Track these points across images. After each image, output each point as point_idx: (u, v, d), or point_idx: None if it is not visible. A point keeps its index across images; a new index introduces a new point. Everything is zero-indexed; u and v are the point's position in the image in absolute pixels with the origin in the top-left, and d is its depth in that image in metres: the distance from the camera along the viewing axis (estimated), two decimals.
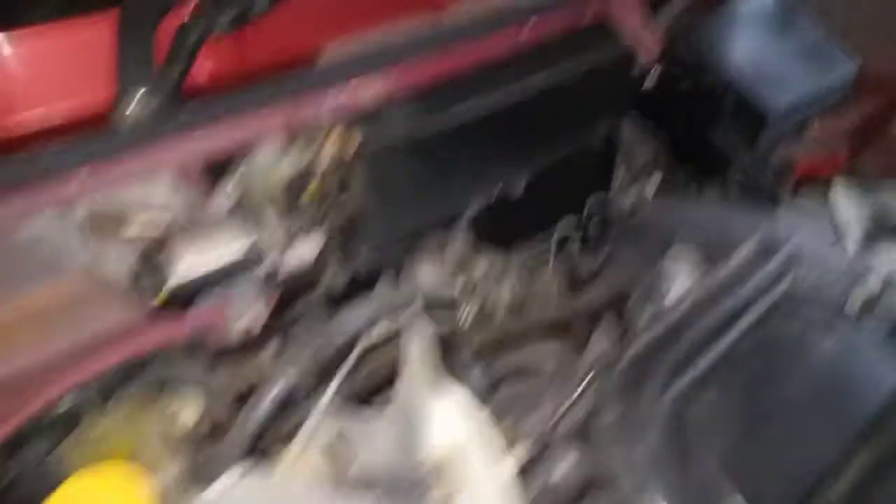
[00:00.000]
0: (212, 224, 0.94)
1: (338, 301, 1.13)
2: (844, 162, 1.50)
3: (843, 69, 1.41)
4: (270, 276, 1.00)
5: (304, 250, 1.03)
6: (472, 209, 1.33)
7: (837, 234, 1.37)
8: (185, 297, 0.91)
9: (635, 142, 1.50)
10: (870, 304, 1.00)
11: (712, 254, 1.05)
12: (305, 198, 0.98)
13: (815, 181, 1.49)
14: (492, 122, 1.24)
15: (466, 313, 1.32)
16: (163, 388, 0.95)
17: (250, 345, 1.03)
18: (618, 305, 1.02)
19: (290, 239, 1.00)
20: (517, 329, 1.07)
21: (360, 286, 1.18)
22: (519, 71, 1.25)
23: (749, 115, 1.29)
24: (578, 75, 1.32)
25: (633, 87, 1.38)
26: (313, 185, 0.98)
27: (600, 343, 0.91)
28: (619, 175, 1.58)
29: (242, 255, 0.94)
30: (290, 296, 1.10)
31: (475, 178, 1.31)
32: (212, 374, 0.99)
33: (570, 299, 1.16)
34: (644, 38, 1.32)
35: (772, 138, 1.36)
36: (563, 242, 1.54)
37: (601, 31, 1.31)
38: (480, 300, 1.39)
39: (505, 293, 1.35)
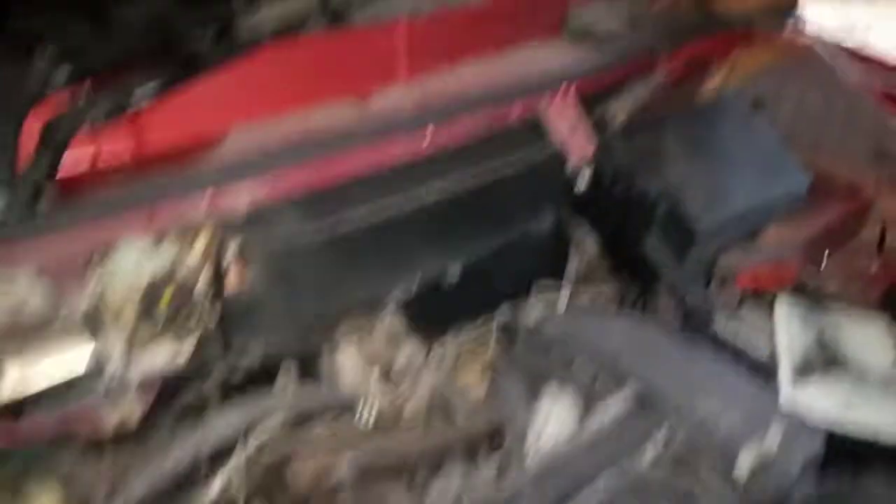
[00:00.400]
0: (62, 327, 0.90)
1: (234, 394, 1.11)
2: (794, 275, 1.40)
3: (793, 183, 1.33)
4: (127, 379, 0.96)
5: (173, 350, 0.98)
6: (398, 296, 1.29)
7: (770, 363, 1.28)
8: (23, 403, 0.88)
9: (586, 234, 1.44)
10: (761, 469, 0.92)
11: (600, 389, 0.98)
12: (167, 299, 0.94)
13: (762, 294, 1.40)
14: (410, 218, 1.20)
15: (367, 414, 1.28)
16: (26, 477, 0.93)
17: (124, 441, 1.00)
18: (491, 440, 0.96)
19: (151, 339, 0.96)
20: (388, 456, 1.00)
21: (260, 378, 1.15)
22: (442, 167, 1.21)
23: (678, 229, 1.22)
24: (505, 172, 1.27)
25: (565, 186, 1.32)
26: (176, 286, 0.94)
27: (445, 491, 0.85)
28: (572, 265, 1.53)
29: (92, 359, 0.91)
30: (172, 391, 1.07)
31: (396, 269, 1.27)
32: (77, 468, 0.96)
33: (443, 426, 1.09)
34: (576, 138, 1.26)
35: (704, 253, 1.28)
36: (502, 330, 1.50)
37: (532, 129, 1.25)
38: (391, 398, 1.35)
39: (425, 388, 1.30)
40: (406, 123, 1.13)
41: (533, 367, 1.09)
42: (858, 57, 1.63)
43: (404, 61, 1.28)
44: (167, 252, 0.94)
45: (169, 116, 1.06)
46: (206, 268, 0.97)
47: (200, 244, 0.96)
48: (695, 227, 1.18)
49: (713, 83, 1.60)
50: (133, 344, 0.93)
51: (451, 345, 1.45)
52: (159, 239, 0.94)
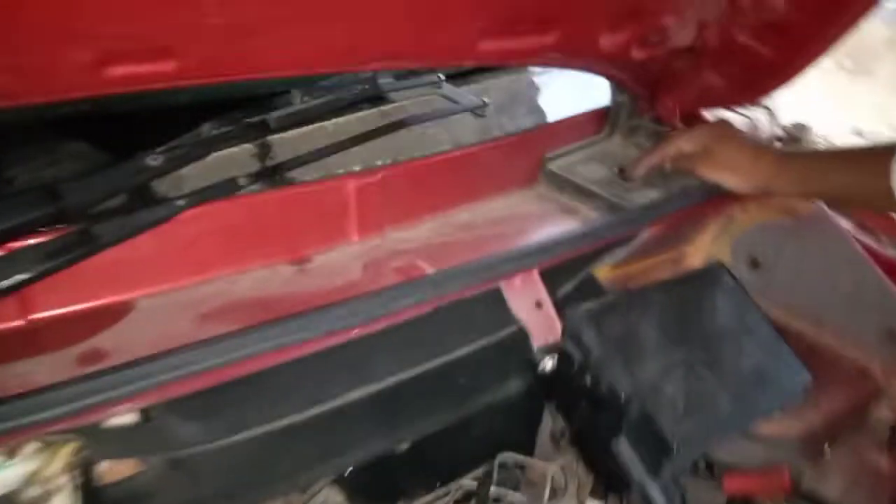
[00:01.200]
0: None
1: None
2: (790, 477, 1.21)
3: (790, 383, 1.16)
4: None
5: None
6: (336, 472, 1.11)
7: None
8: None
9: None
10: None
11: None
12: None
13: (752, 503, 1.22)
14: (352, 405, 1.04)
15: None
16: None
17: None
18: None
19: None
20: None
21: None
22: (388, 346, 1.05)
23: (652, 438, 1.04)
24: (461, 352, 1.12)
25: (530, 364, 1.16)
26: None
27: None
28: (543, 434, 1.36)
29: None
30: None
31: (333, 457, 1.10)
32: None
33: None
34: (540, 317, 1.11)
35: (682, 463, 1.10)
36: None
37: (491, 304, 1.11)
38: None
39: None
40: (350, 297, 0.96)
41: None
42: (866, 219, 1.49)
43: (353, 221, 1.14)
44: (18, 470, 0.78)
45: (61, 284, 0.92)
46: (69, 485, 0.81)
47: (62, 458, 0.80)
48: (670, 438, 1.01)
49: (702, 244, 1.46)
50: None
51: None
52: (10, 455, 0.78)
